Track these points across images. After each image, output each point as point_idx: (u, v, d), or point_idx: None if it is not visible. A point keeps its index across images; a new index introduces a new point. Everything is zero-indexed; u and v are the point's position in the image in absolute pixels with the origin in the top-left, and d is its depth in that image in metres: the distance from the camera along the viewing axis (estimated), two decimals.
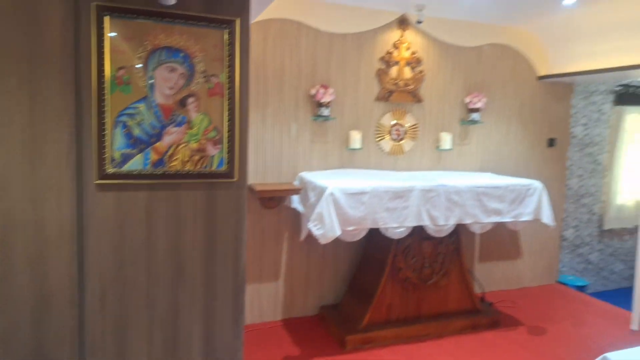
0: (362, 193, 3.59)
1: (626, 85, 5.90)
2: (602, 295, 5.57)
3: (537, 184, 4.16)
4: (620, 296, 5.42)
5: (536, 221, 4.24)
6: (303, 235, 4.01)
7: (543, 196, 4.17)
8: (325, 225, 3.43)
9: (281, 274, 4.29)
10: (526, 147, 5.10)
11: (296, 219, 4.25)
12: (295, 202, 4.08)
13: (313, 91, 4.08)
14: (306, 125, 4.20)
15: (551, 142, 5.22)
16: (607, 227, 6.04)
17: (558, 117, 5.22)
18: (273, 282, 4.28)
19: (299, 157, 4.22)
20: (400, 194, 3.70)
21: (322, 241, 3.44)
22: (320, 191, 3.58)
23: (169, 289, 2.38)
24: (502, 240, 5.08)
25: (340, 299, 4.45)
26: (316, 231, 3.45)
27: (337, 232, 3.44)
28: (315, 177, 3.91)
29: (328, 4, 4.10)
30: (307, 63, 4.13)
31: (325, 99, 4.07)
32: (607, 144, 5.97)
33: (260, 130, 4.06)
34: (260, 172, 4.11)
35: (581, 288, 5.48)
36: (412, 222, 3.76)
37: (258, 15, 3.36)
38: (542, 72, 5.02)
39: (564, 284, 5.46)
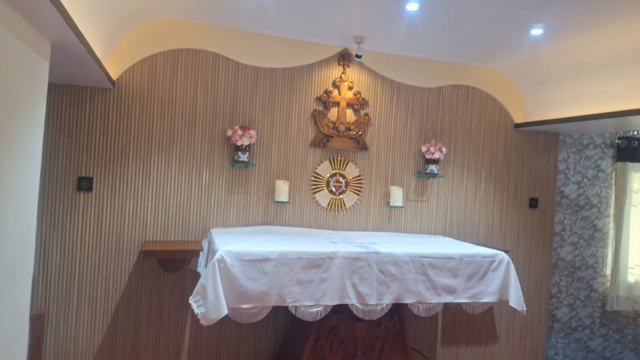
0: (265, 260, 2.83)
1: (629, 138, 5.09)
2: None
3: (502, 256, 3.32)
4: None
5: (502, 303, 3.36)
6: None
7: (510, 272, 3.31)
8: (207, 302, 2.67)
9: (184, 354, 3.47)
10: (501, 208, 4.29)
11: None
12: (201, 265, 3.34)
13: (229, 132, 3.44)
14: (222, 172, 3.54)
15: (533, 203, 4.40)
16: (612, 307, 5.02)
17: (541, 173, 4.43)
18: None
19: (212, 210, 3.52)
20: (317, 263, 2.93)
21: (204, 322, 2.66)
22: (214, 255, 2.84)
23: None
24: (472, 319, 4.17)
25: None
26: (197, 309, 2.68)
27: (223, 312, 2.66)
28: (221, 236, 3.19)
29: (252, 34, 3.55)
30: (225, 100, 3.53)
31: (243, 141, 3.42)
32: (609, 207, 5.09)
33: (163, 175, 3.41)
34: (160, 227, 3.41)
35: None
36: (332, 300, 2.95)
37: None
38: (519, 119, 4.29)
39: None
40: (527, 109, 4.29)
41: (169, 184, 3.42)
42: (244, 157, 3.45)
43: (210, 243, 3.20)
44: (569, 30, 3.14)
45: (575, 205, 4.91)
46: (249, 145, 3.49)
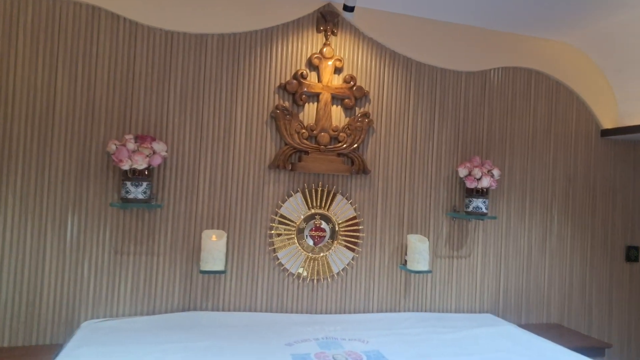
0: None
1: None
2: None
3: None
4: None
5: None
6: None
7: None
8: None
9: None
10: (584, 263, 2.68)
11: None
12: None
13: (112, 146, 1.88)
14: (104, 219, 1.96)
15: (632, 254, 2.79)
16: None
17: None
18: None
19: (85, 288, 1.94)
20: None
21: None
22: None
23: None
24: None
25: None
26: None
27: None
28: (87, 348, 1.62)
29: None
30: (109, 90, 1.97)
31: (136, 163, 1.85)
32: None
33: None
34: None
35: None
36: None
37: None
38: (608, 123, 2.71)
39: None
40: (620, 106, 2.71)
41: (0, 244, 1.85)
42: (137, 191, 1.87)
43: None
44: None
45: None
46: (149, 170, 1.92)
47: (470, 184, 2.31)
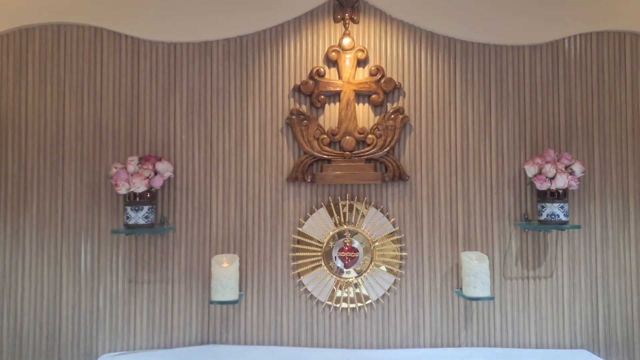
0: None
1: None
2: None
3: None
4: None
5: None
6: None
7: None
8: None
9: None
10: None
11: None
12: None
13: (113, 169, 1.78)
14: (116, 246, 1.87)
15: None
16: None
17: None
18: None
19: (101, 319, 1.86)
20: None
21: None
22: None
23: None
24: None
25: None
26: None
27: None
28: None
29: None
30: (117, 111, 1.89)
31: (135, 186, 1.72)
32: None
33: (8, 258, 1.85)
34: (4, 356, 1.84)
35: None
36: None
37: None
38: None
39: None
40: None
41: (19, 273, 1.85)
42: (137, 216, 1.73)
43: None
44: None
45: None
46: (151, 193, 1.78)
47: (541, 185, 1.81)
